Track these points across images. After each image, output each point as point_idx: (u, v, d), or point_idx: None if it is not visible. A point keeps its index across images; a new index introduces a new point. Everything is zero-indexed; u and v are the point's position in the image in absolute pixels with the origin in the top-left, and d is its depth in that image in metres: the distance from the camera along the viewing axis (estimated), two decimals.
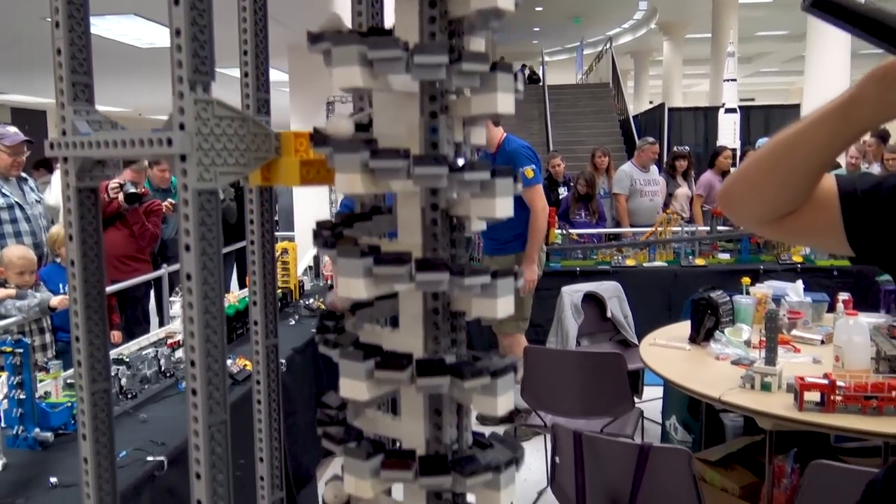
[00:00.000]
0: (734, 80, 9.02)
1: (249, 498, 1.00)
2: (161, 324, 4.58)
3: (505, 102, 0.58)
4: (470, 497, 0.68)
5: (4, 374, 2.11)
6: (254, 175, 0.65)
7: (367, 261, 0.56)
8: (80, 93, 0.68)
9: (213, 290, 0.58)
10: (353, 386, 0.54)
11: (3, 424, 2.07)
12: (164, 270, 4.57)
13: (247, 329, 3.18)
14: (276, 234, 4.91)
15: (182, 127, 0.59)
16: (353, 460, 0.58)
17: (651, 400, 4.14)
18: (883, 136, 6.27)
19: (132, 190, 4.41)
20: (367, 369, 0.54)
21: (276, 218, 6.48)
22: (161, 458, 1.93)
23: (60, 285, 3.57)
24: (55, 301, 3.34)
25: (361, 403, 0.59)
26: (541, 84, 15.28)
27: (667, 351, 3.07)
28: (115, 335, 4.09)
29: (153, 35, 7.82)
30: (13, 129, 4.01)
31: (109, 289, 3.88)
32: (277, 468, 0.88)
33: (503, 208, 0.59)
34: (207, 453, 0.61)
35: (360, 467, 0.56)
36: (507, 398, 0.57)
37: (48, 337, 3.52)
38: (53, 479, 1.82)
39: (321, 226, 0.62)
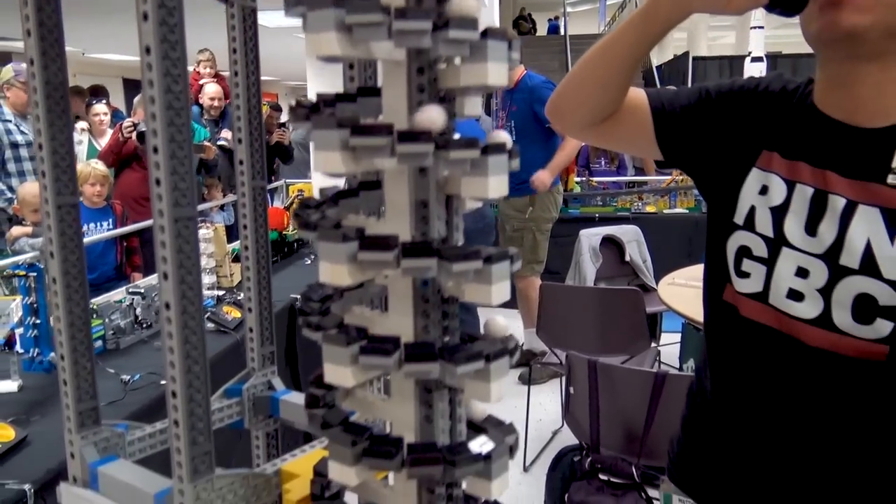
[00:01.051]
0: (762, 27, 8.73)
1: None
2: None
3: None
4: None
5: (19, 298, 2.12)
6: None
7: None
8: None
9: (173, 60, 0.53)
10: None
11: (19, 349, 2.09)
12: None
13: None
14: (294, 180, 4.89)
15: None
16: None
17: (669, 344, 4.11)
18: None
19: (146, 128, 4.39)
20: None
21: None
22: None
23: (85, 225, 3.56)
24: None
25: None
26: (562, 35, 14.94)
27: (686, 290, 3.02)
28: (136, 277, 4.12)
29: None
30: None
31: (129, 228, 3.90)
32: (266, 309, 0.84)
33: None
34: (174, 251, 0.59)
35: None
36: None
37: None
38: None
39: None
